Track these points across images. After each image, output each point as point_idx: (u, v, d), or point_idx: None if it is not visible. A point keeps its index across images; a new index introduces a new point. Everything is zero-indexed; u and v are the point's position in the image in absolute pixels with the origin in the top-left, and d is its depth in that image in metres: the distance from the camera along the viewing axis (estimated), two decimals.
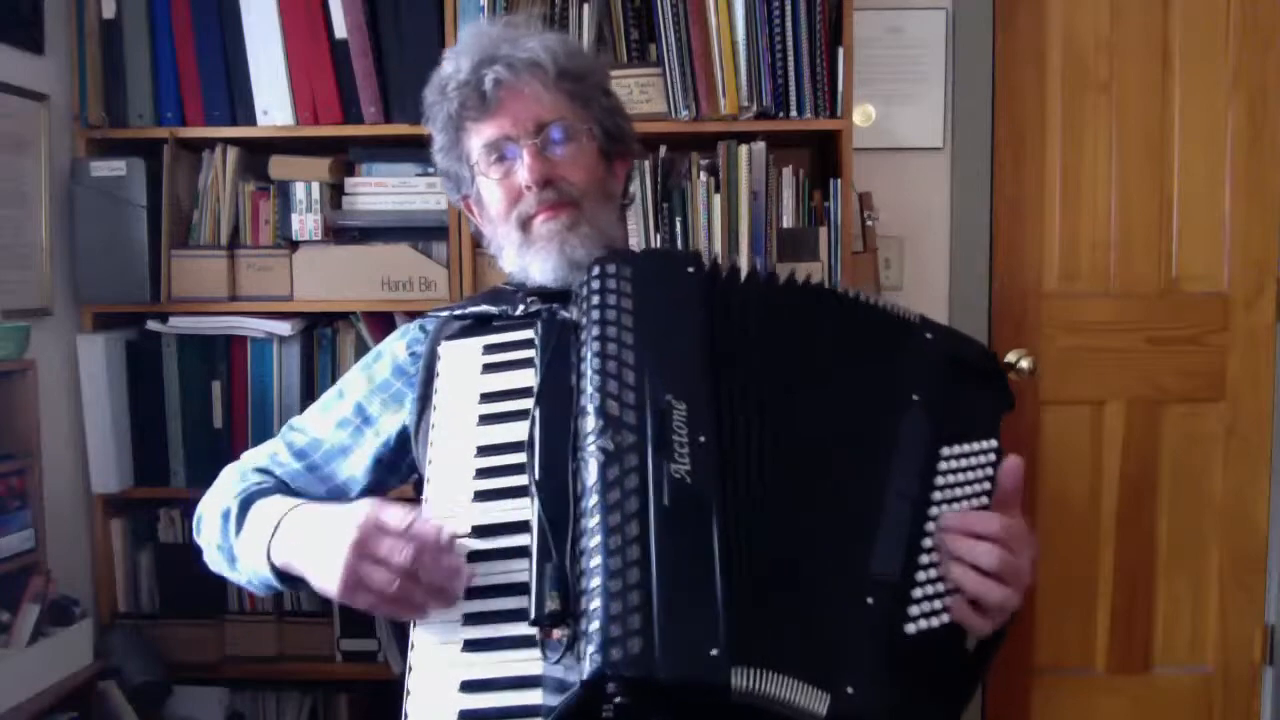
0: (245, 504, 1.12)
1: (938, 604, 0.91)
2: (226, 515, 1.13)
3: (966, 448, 0.97)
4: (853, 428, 0.96)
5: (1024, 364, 2.31)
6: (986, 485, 0.96)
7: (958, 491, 0.95)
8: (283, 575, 1.05)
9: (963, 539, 0.92)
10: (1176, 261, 2.34)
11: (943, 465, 0.95)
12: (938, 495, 0.94)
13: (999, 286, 2.33)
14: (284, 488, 1.18)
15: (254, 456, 1.24)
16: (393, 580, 0.90)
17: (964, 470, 0.96)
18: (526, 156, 1.13)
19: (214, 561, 1.18)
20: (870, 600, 0.89)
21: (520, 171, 1.14)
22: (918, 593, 0.90)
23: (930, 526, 0.93)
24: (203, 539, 1.19)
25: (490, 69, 1.13)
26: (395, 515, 0.93)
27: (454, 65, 1.17)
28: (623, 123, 1.24)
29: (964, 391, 1.00)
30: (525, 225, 1.15)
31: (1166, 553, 2.38)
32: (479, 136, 1.17)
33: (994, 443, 0.99)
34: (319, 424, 1.24)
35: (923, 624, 0.90)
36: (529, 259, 1.15)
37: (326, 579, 0.95)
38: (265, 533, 1.06)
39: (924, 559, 0.92)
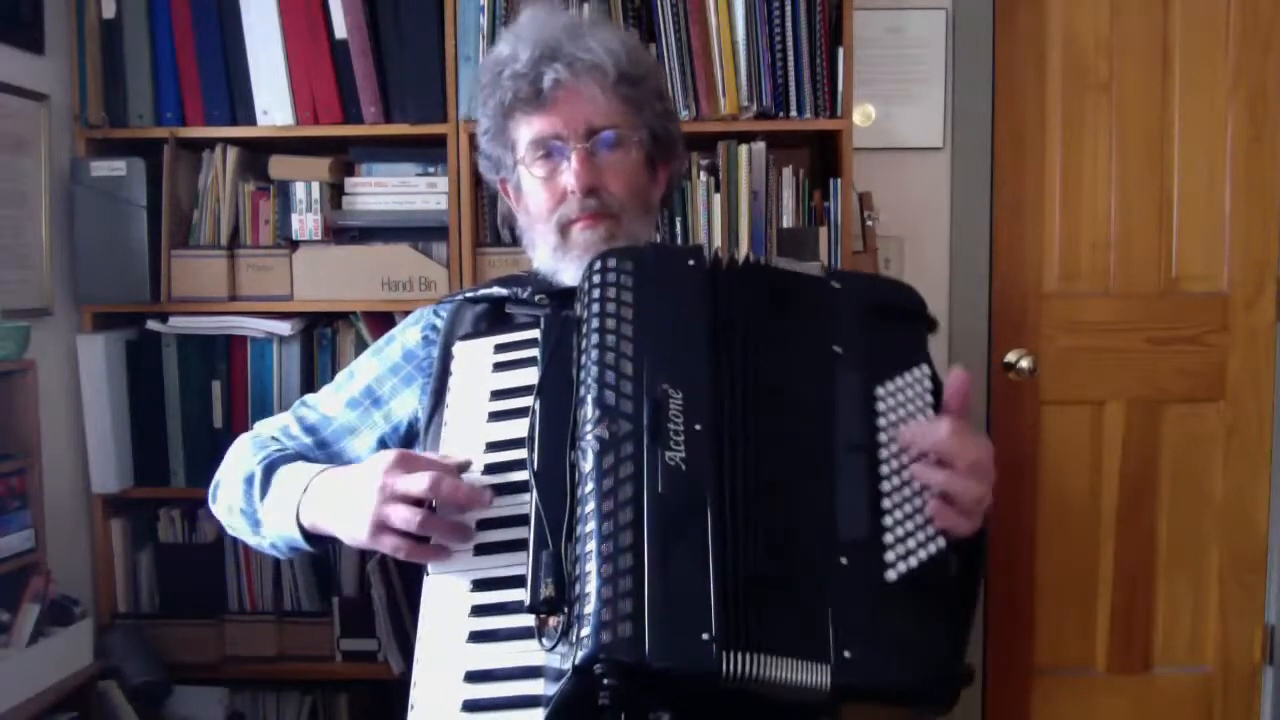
0: (269, 469, 1.14)
1: (911, 543, 0.91)
2: (250, 480, 1.14)
3: (899, 381, 0.98)
4: (805, 400, 0.96)
5: (1024, 364, 2.31)
6: (930, 412, 0.97)
7: (902, 429, 0.95)
8: (309, 536, 1.08)
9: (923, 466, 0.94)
10: (1176, 261, 2.34)
11: (880, 406, 0.96)
12: (883, 437, 0.94)
13: (999, 286, 2.33)
14: (302, 457, 1.19)
15: (266, 427, 1.25)
16: (414, 518, 0.93)
17: (902, 405, 0.97)
18: (575, 161, 1.13)
19: (233, 526, 1.19)
20: (844, 561, 0.88)
21: (566, 174, 1.14)
22: (889, 538, 0.90)
23: (884, 469, 0.93)
24: (219, 505, 1.21)
25: (551, 66, 1.13)
26: (414, 456, 0.97)
27: (511, 51, 1.15)
28: (672, 127, 1.24)
29: (882, 329, 1.00)
30: (564, 230, 1.16)
31: (1166, 552, 2.38)
32: (529, 129, 1.16)
33: (926, 369, 0.99)
34: (330, 402, 1.25)
35: (902, 567, 0.89)
36: (563, 264, 1.16)
37: (355, 525, 0.98)
38: (294, 495, 1.08)
39: (886, 503, 0.92)
